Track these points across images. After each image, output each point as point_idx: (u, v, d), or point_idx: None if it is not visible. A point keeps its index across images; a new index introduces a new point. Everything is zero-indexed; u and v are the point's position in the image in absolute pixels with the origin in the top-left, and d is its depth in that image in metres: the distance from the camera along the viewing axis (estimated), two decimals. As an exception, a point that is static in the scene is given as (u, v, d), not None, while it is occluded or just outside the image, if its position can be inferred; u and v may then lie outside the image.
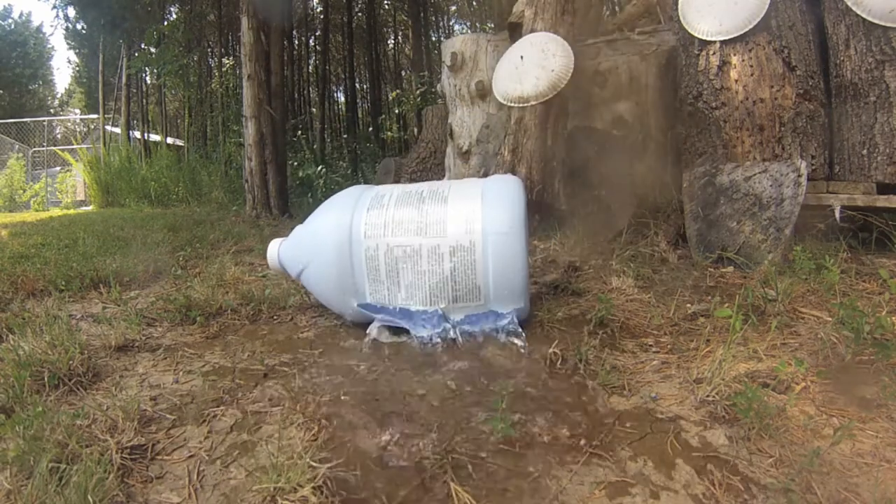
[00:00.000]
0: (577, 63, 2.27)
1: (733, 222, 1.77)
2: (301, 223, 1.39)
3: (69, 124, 14.51)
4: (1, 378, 1.00)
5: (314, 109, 11.88)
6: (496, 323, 1.21)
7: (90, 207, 6.62)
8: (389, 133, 9.56)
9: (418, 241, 1.20)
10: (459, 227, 1.19)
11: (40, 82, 24.78)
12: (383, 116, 10.11)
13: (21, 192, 7.93)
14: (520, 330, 1.20)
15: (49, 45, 24.89)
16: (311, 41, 11.33)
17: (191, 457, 0.82)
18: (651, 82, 2.51)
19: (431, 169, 3.77)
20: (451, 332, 1.21)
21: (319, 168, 5.95)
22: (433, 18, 12.21)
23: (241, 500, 0.72)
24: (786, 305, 1.29)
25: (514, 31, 2.69)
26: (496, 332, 1.21)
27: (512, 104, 2.34)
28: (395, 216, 1.24)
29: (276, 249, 1.40)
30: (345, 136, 10.43)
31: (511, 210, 1.20)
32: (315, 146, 8.73)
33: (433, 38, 11.59)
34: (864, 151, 1.79)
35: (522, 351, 1.15)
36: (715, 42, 1.99)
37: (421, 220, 1.22)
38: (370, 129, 10.03)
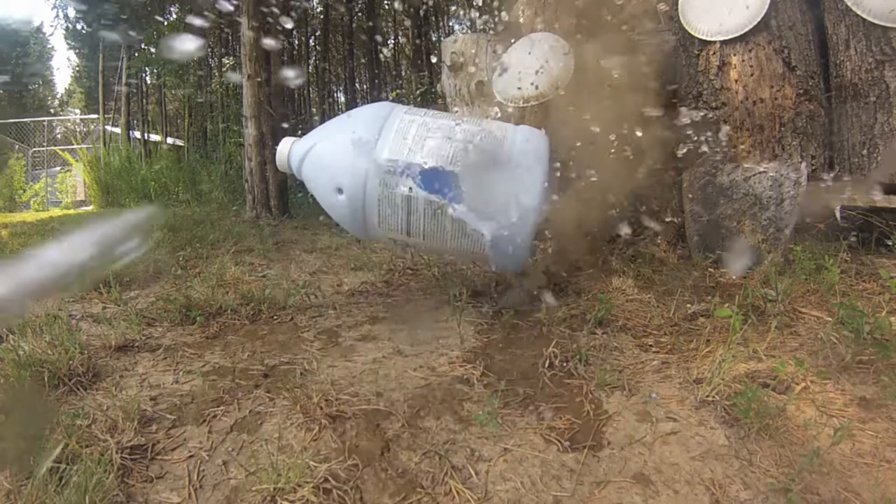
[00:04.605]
0: (576, 63, 2.27)
1: (733, 222, 1.77)
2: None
3: (69, 124, 14.48)
4: (1, 378, 1.00)
5: (314, 109, 11.88)
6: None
7: (90, 207, 6.62)
8: (389, 133, 9.53)
9: (453, 122, 1.34)
10: (493, 125, 1.37)
11: (40, 82, 24.77)
12: (383, 116, 10.07)
13: (21, 192, 7.93)
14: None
15: (49, 45, 24.89)
16: (311, 41, 11.32)
17: (191, 457, 0.82)
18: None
19: (431, 169, 3.76)
20: (452, 208, 1.25)
21: (320, 168, 5.93)
22: (433, 18, 12.20)
23: (241, 500, 0.72)
24: (786, 305, 1.29)
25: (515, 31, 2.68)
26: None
27: (512, 104, 2.34)
28: (434, 117, 1.37)
29: (289, 147, 1.43)
30: (345, 136, 10.40)
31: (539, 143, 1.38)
32: (315, 146, 8.70)
33: (433, 39, 11.58)
34: (864, 151, 1.79)
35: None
36: (715, 42, 1.99)
37: (458, 120, 1.37)
38: (370, 129, 9.99)
